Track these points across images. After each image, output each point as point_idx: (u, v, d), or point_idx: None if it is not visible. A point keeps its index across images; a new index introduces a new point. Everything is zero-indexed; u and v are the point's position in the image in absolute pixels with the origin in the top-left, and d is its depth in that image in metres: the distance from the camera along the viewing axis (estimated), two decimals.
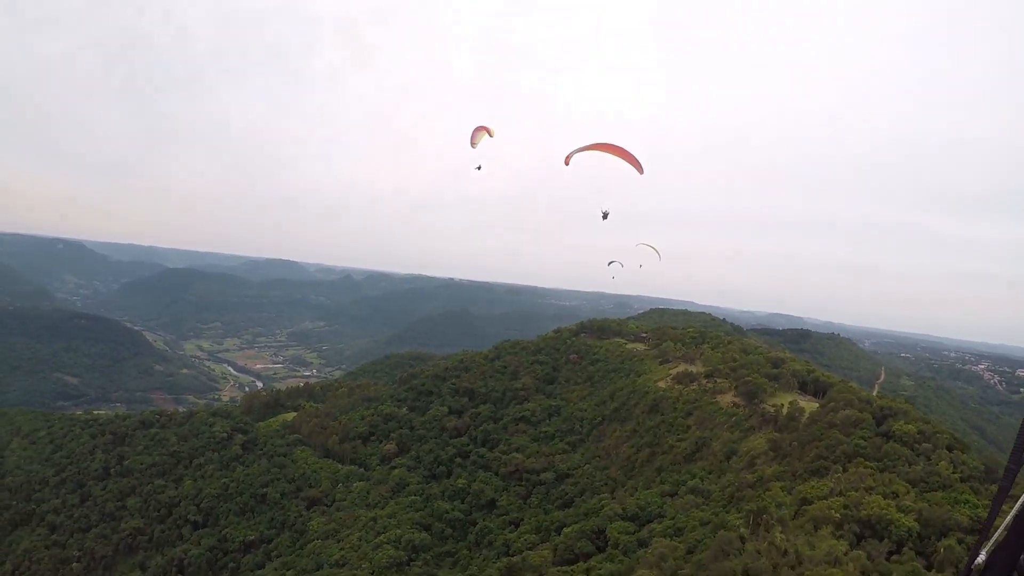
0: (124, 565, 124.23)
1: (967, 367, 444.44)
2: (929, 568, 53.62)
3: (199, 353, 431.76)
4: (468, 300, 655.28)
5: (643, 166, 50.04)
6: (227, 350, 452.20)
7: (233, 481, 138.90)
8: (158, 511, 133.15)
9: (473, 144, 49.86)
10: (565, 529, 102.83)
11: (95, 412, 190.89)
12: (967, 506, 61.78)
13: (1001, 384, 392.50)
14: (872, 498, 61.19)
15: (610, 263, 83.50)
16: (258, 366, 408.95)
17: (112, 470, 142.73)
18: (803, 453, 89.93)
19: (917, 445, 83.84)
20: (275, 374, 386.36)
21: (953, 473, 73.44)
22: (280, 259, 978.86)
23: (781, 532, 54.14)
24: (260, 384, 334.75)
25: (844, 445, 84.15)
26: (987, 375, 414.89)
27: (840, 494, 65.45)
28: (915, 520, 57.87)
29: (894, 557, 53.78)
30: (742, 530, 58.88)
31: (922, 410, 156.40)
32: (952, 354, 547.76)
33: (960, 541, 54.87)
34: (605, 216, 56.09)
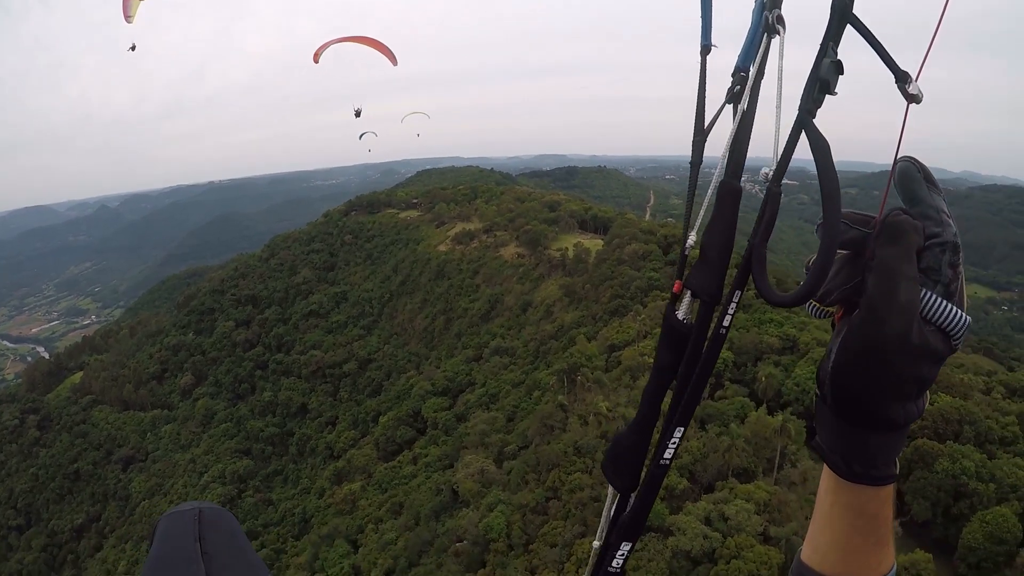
0: None
1: None
2: (753, 396, 53.49)
3: None
4: (233, 201, 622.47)
5: (396, 56, 48.10)
6: None
7: (41, 468, 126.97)
8: None
9: (127, 16, 38.70)
10: (381, 418, 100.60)
11: None
12: (772, 325, 62.27)
13: (761, 192, 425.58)
14: None
15: (361, 136, 76.21)
16: (34, 330, 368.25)
17: None
18: (598, 295, 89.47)
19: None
20: (54, 333, 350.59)
21: (747, 291, 74.76)
22: (27, 207, 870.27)
23: (602, 396, 51.45)
24: (42, 349, 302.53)
25: (638, 280, 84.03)
26: (747, 185, 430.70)
27: (646, 335, 64.37)
28: (727, 349, 57.54)
29: (718, 393, 53.16)
30: (560, 397, 55.89)
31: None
32: (712, 169, 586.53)
33: (776, 364, 55.02)
34: (358, 114, 56.23)
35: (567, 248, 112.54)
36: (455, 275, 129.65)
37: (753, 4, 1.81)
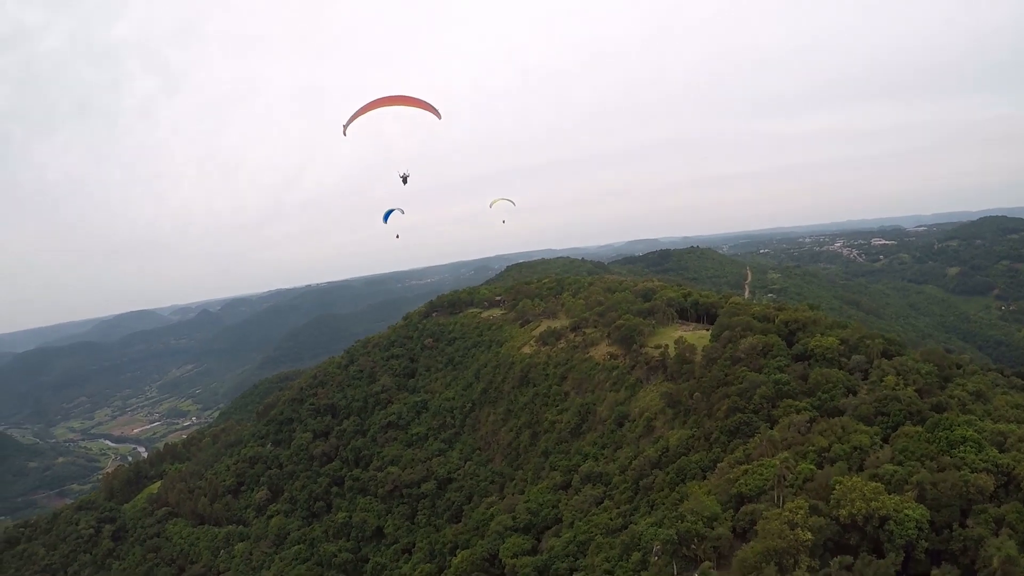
0: None
1: (824, 248, 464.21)
2: None
3: (72, 435, 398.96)
4: (330, 303, 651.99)
5: (438, 109, 48.64)
6: (100, 423, 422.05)
7: None
8: None
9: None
10: (455, 559, 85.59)
11: None
12: (969, 448, 42.75)
13: (860, 256, 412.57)
14: (846, 481, 40.93)
15: (388, 214, 71.06)
16: (136, 431, 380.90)
17: None
18: (711, 406, 71.29)
19: (845, 359, 66.70)
20: (155, 434, 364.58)
21: (906, 387, 55.90)
22: (132, 311, 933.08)
23: None
24: (143, 450, 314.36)
25: (762, 386, 65.30)
26: (845, 251, 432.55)
27: (783, 480, 45.31)
28: (915, 500, 38.47)
29: None
30: None
31: (795, 298, 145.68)
32: (807, 239, 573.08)
33: (997, 523, 35.50)
34: (405, 180, 55.45)
35: (667, 345, 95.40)
36: (541, 381, 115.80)
37: None
